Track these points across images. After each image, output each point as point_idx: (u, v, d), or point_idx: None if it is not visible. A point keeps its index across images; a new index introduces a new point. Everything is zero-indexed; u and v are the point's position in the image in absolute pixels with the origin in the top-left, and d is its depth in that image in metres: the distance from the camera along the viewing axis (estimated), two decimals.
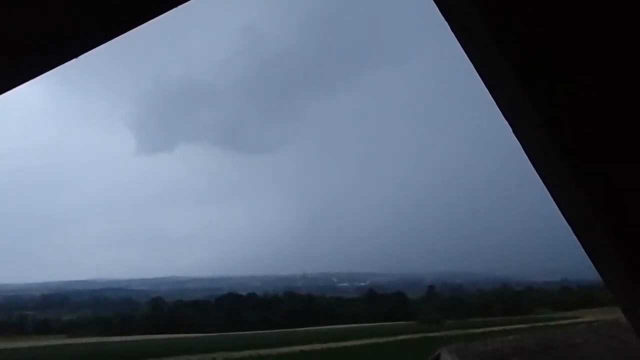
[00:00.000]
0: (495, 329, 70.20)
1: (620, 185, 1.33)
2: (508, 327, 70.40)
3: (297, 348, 65.44)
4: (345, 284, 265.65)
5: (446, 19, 1.38)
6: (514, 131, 1.43)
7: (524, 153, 1.45)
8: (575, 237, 1.53)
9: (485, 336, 34.65)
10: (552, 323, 72.69)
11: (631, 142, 1.28)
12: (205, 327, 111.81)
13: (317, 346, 66.25)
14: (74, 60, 1.33)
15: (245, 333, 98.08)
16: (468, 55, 1.39)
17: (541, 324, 75.80)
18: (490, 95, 1.43)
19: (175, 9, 1.36)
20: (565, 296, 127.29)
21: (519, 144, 1.44)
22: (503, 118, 1.42)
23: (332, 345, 67.05)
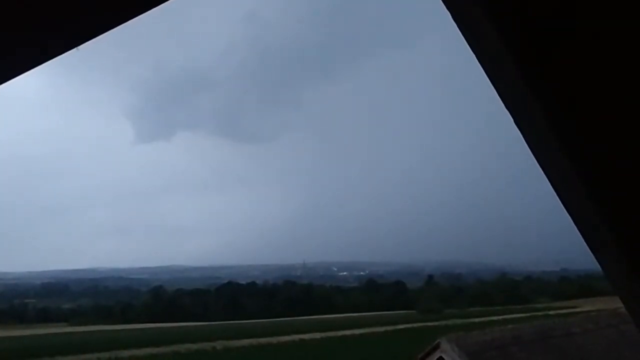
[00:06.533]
0: (495, 318, 70.45)
1: (620, 176, 1.33)
2: (507, 317, 70.66)
3: (296, 337, 65.65)
4: (345, 273, 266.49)
5: (448, 9, 1.37)
6: (515, 122, 1.44)
7: (525, 144, 1.49)
8: (574, 227, 1.53)
9: (485, 325, 34.75)
10: (551, 312, 72.95)
11: (632, 135, 1.29)
12: (205, 316, 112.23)
13: (316, 335, 66.44)
14: (73, 50, 1.32)
15: (245, 322, 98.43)
16: (469, 44, 1.37)
17: (540, 313, 76.04)
18: (492, 86, 1.45)
19: None
20: (564, 286, 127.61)
21: (520, 134, 1.48)
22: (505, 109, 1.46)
23: (331, 334, 67.26)
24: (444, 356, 12.17)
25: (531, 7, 1.21)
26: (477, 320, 69.32)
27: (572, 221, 1.52)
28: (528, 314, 74.26)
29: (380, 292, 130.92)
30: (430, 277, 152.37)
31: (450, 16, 1.38)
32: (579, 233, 1.53)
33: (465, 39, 1.38)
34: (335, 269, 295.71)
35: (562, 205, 1.51)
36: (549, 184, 1.48)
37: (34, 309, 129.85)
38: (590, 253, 1.57)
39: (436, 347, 12.41)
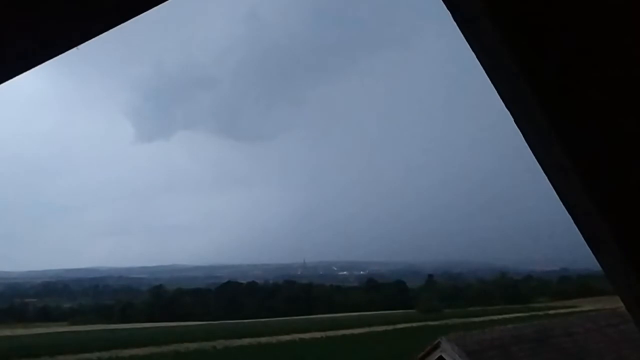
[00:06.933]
0: (495, 317, 70.38)
1: (621, 177, 1.33)
2: (507, 316, 70.63)
3: (297, 336, 65.60)
4: (345, 273, 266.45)
5: (448, 8, 1.36)
6: (515, 122, 1.44)
7: (526, 144, 1.48)
8: (575, 227, 1.53)
9: (485, 325, 34.78)
10: (551, 312, 72.86)
11: (633, 135, 1.29)
12: (205, 315, 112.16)
13: (316, 334, 66.40)
14: (74, 49, 1.31)
15: (245, 321, 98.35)
16: (469, 43, 1.36)
17: (540, 313, 76.00)
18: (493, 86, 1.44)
19: None
20: (564, 285, 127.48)
21: (521, 134, 1.47)
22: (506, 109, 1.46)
23: (331, 333, 67.20)
24: (444, 355, 12.17)
25: (531, 5, 1.20)
26: (477, 319, 69.33)
27: (572, 221, 1.52)
28: (528, 314, 74.21)
29: (380, 291, 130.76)
30: (431, 276, 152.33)
31: (450, 16, 1.38)
32: (579, 233, 1.54)
33: (465, 38, 1.38)
34: (336, 269, 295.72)
35: (562, 205, 1.51)
36: (550, 183, 1.49)
37: (35, 308, 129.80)
38: (590, 253, 1.57)
39: (436, 347, 12.40)
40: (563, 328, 13.49)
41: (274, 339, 63.31)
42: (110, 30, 1.28)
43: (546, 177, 1.49)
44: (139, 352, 56.19)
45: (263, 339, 63.33)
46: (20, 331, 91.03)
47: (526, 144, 1.47)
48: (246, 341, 62.18)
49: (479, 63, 1.42)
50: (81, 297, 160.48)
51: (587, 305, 76.12)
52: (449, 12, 1.38)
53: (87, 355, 54.76)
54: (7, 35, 1.19)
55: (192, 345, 59.62)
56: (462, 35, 1.39)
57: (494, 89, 1.41)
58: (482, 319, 69.98)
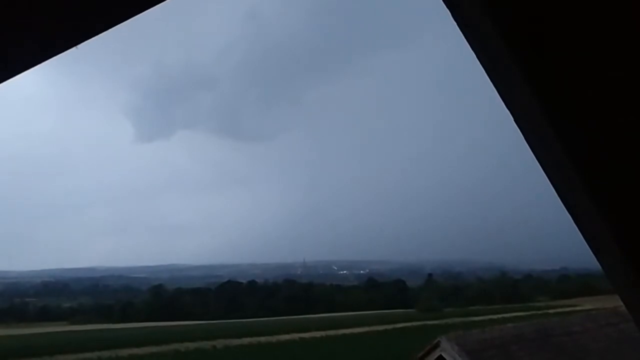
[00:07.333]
0: (495, 316, 70.41)
1: (622, 177, 1.33)
2: (507, 315, 70.62)
3: (296, 335, 65.63)
4: (345, 272, 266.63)
5: (448, 8, 1.36)
6: (516, 121, 1.43)
7: (526, 143, 1.48)
8: (575, 226, 1.53)
9: (485, 324, 34.76)
10: (551, 311, 72.91)
11: (634, 137, 1.29)
12: (205, 315, 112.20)
13: (316, 334, 66.44)
14: (73, 48, 1.30)
15: (245, 320, 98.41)
16: (469, 43, 1.38)
17: (540, 312, 76.11)
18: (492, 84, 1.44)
19: None
20: (564, 284, 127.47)
21: (521, 134, 1.47)
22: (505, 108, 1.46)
23: (331, 332, 67.25)
24: (444, 355, 12.18)
25: (531, 6, 1.20)
26: (477, 318, 69.37)
27: (572, 221, 1.52)
28: (528, 313, 74.30)
29: (380, 290, 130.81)
30: (430, 275, 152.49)
31: (450, 16, 1.38)
32: (579, 233, 1.53)
33: (465, 38, 1.38)
34: (336, 268, 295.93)
35: (562, 204, 1.51)
36: (550, 183, 1.49)
37: (34, 308, 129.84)
38: (590, 252, 1.57)
39: (436, 346, 12.42)
40: (563, 327, 13.50)
41: (274, 339, 63.34)
42: (110, 30, 1.27)
43: (546, 177, 1.49)
44: (139, 352, 56.23)
45: (263, 339, 63.35)
46: (20, 331, 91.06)
47: (526, 144, 1.47)
48: (246, 341, 62.21)
49: (479, 63, 1.41)
50: (81, 297, 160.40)
51: (587, 304, 76.07)
52: (449, 12, 1.37)
53: (86, 354, 54.77)
54: (7, 35, 1.18)
55: (192, 345, 59.64)
56: (462, 35, 1.39)
57: (494, 89, 1.44)
58: (481, 318, 70.01)
